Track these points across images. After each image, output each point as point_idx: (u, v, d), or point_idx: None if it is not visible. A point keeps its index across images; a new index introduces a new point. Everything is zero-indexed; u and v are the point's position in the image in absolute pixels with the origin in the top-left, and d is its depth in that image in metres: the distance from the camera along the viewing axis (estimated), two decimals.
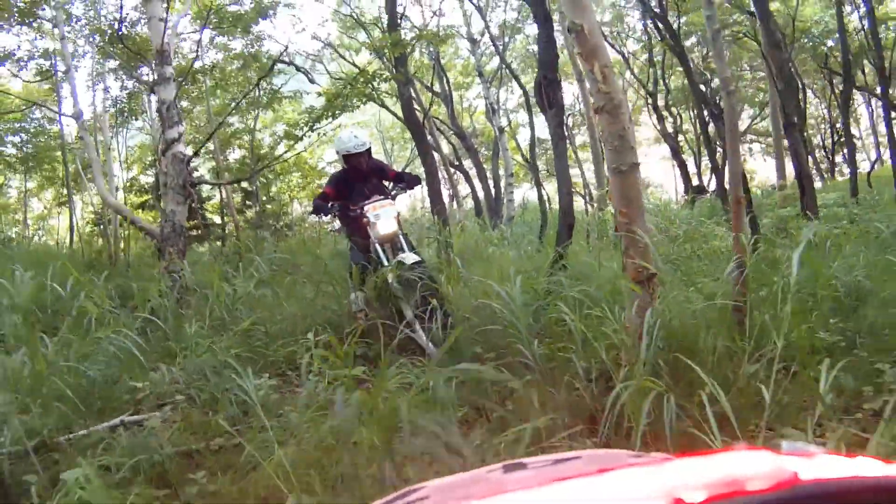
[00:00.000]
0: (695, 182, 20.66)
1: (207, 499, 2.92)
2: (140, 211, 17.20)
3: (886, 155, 17.51)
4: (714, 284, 4.20)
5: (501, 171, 19.39)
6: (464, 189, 23.55)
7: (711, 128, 14.87)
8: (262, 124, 19.86)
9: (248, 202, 19.07)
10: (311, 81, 11.81)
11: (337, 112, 9.77)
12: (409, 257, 5.35)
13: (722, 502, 0.46)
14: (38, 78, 15.19)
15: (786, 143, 13.27)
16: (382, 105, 12.17)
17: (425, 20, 17.53)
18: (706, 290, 4.00)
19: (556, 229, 6.73)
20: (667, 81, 20.14)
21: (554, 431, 2.91)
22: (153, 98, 9.78)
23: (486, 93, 19.68)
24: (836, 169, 24.86)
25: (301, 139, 11.48)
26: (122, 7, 11.24)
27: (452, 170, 23.12)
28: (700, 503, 0.46)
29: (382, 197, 5.83)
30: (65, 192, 19.11)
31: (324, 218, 6.46)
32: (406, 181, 6.26)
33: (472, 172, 20.47)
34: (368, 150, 6.10)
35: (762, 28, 10.61)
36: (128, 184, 18.91)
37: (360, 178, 6.05)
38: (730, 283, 3.66)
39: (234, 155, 20.03)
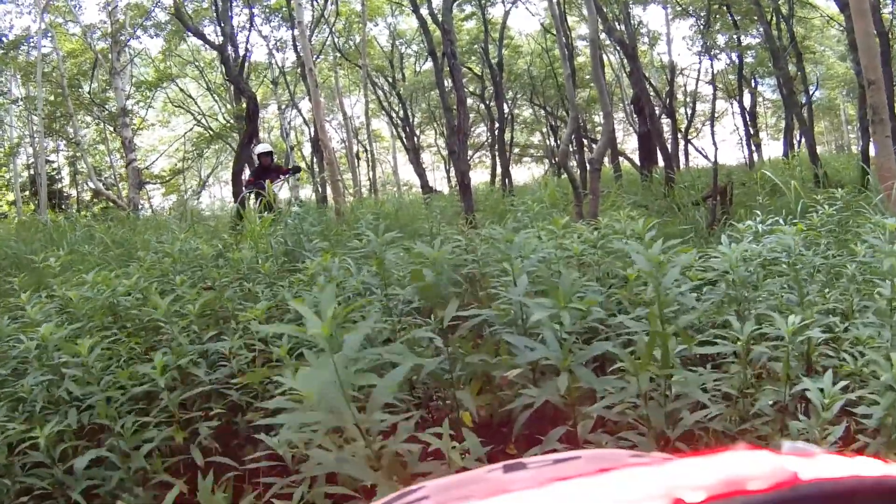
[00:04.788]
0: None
1: None
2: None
3: None
4: None
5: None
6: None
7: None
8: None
9: None
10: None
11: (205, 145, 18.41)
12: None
13: (722, 502, 0.47)
14: None
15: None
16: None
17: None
18: None
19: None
20: (411, 113, 29.88)
21: None
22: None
23: (281, 120, 28.28)
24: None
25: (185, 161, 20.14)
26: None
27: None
28: (700, 503, 0.46)
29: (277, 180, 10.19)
30: None
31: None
32: (291, 171, 11.29)
33: None
34: (271, 153, 10.78)
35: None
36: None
37: (266, 171, 10.08)
38: None
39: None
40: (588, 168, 9.02)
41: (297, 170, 12.52)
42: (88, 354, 2.60)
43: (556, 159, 30.88)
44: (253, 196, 9.88)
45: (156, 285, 4.00)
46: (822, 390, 2.11)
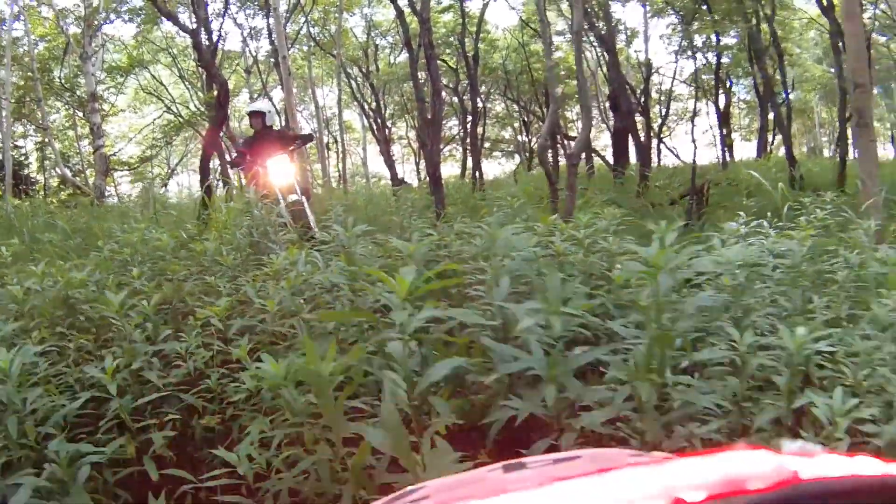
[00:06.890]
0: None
1: None
2: None
3: None
4: None
5: None
6: None
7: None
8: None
9: None
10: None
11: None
12: (293, 197, 7.53)
13: (722, 502, 0.47)
14: None
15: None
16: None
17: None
18: None
19: None
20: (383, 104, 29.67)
21: None
22: None
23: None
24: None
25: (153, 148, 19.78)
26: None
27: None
28: (700, 503, 0.47)
29: (281, 155, 7.56)
30: None
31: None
32: (301, 139, 8.48)
33: None
34: (263, 115, 8.12)
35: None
36: None
37: (263, 141, 7.80)
38: None
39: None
40: (565, 163, 8.86)
41: (310, 138, 9.79)
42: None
43: (528, 154, 30.95)
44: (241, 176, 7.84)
45: (112, 277, 3.77)
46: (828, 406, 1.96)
